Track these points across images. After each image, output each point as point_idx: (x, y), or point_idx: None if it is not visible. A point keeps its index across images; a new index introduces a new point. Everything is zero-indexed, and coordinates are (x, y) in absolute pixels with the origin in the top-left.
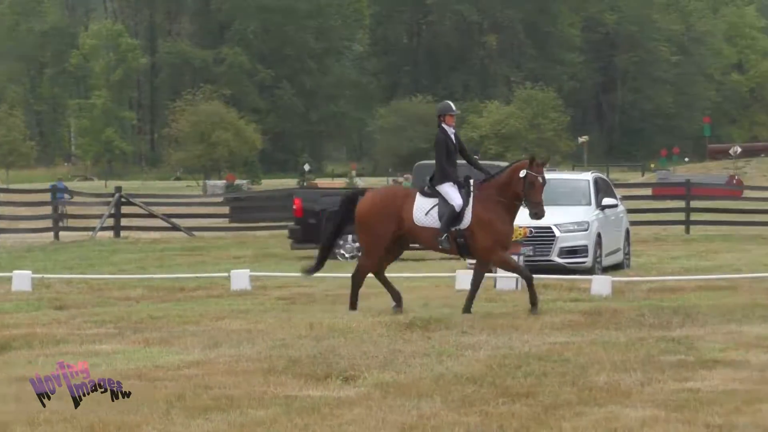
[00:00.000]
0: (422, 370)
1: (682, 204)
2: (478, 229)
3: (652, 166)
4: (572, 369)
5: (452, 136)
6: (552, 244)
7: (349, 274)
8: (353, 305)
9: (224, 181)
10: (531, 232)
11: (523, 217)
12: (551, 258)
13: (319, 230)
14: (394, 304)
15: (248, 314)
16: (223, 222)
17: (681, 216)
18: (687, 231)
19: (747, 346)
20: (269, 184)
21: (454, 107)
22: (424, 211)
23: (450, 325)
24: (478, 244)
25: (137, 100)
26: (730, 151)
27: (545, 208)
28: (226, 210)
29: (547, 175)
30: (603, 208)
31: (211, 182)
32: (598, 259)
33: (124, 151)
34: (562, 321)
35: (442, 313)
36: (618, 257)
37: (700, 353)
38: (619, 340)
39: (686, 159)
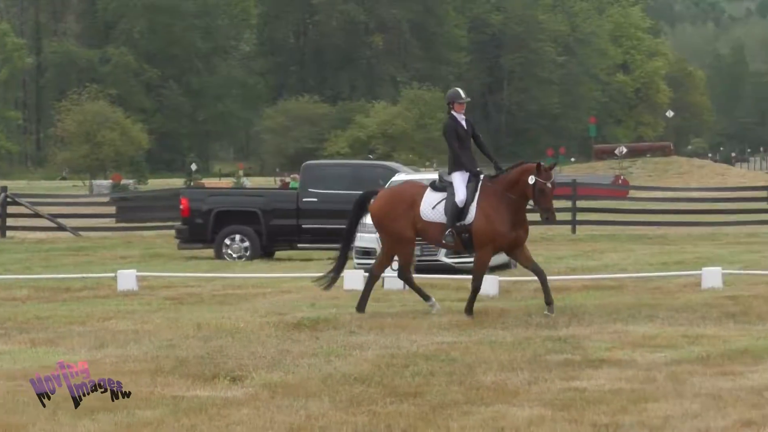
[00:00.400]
0: (310, 370)
1: (568, 204)
2: (478, 225)
3: None
4: (459, 368)
5: (463, 123)
6: None
7: (238, 275)
8: (361, 307)
9: (110, 181)
10: None
11: None
12: (439, 258)
13: (206, 230)
14: (429, 303)
15: (135, 314)
16: (109, 222)
17: (567, 216)
18: (573, 231)
19: (633, 345)
20: (156, 183)
21: (463, 95)
22: (431, 205)
23: (338, 325)
24: (474, 239)
25: (23, 99)
26: (616, 152)
27: None
28: (112, 210)
29: (434, 176)
30: None
31: (97, 182)
32: None
33: (9, 151)
34: (450, 321)
35: (330, 313)
36: (504, 257)
37: (587, 352)
38: (506, 340)
39: (572, 159)
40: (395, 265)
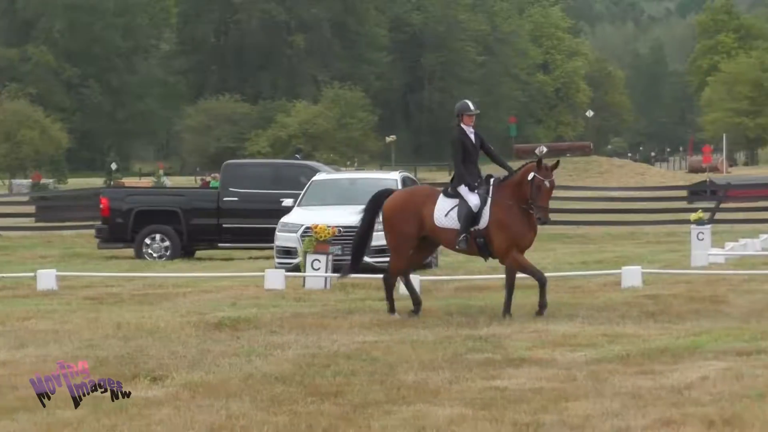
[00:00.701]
0: (231, 370)
1: None
2: (495, 229)
3: None
4: (381, 368)
5: (471, 136)
6: None
7: (158, 274)
8: (392, 308)
9: (30, 180)
10: (340, 231)
11: (331, 216)
12: None
13: (126, 229)
14: (412, 309)
15: (55, 314)
16: (29, 221)
17: None
18: None
19: (553, 344)
20: (76, 183)
21: (472, 107)
22: (444, 212)
23: (259, 324)
24: (494, 245)
25: None
26: (536, 151)
27: (352, 207)
28: (32, 209)
29: (354, 175)
30: None
31: (16, 181)
32: None
33: None
34: (371, 320)
35: (251, 312)
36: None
37: (507, 352)
38: (427, 339)
39: None
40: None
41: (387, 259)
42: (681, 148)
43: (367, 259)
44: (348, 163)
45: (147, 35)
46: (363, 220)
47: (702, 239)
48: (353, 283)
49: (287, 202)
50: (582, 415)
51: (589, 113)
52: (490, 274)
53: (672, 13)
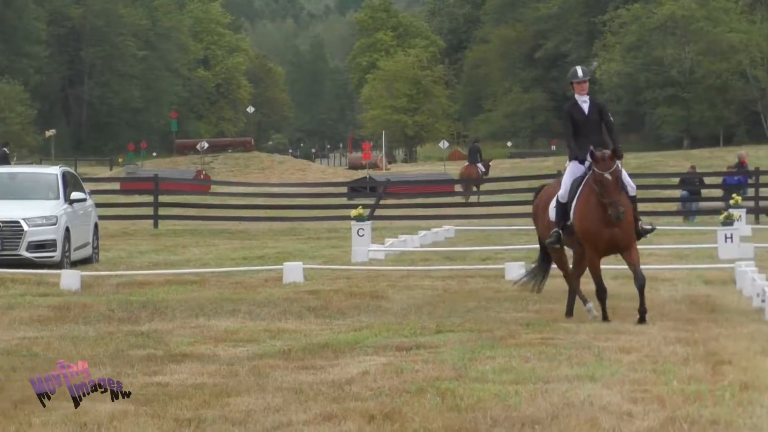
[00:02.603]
0: None
1: (150, 198)
2: (576, 224)
3: (120, 160)
4: (41, 364)
5: (583, 106)
6: (20, 238)
7: None
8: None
9: None
10: None
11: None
12: (19, 252)
13: None
14: (586, 306)
15: None
16: None
17: (149, 210)
18: (155, 225)
19: (215, 339)
20: None
21: (580, 73)
22: (552, 204)
23: None
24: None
25: None
26: (198, 146)
27: (13, 202)
28: None
29: (13, 169)
30: (71, 202)
31: None
32: (67, 254)
33: None
34: (31, 316)
35: None
36: (87, 251)
37: (169, 347)
38: (89, 335)
39: (154, 154)
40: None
41: (47, 254)
42: (341, 145)
43: (26, 254)
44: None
45: None
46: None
47: (362, 235)
48: (13, 279)
49: None
50: (244, 410)
51: (250, 109)
52: (151, 269)
53: (332, 10)
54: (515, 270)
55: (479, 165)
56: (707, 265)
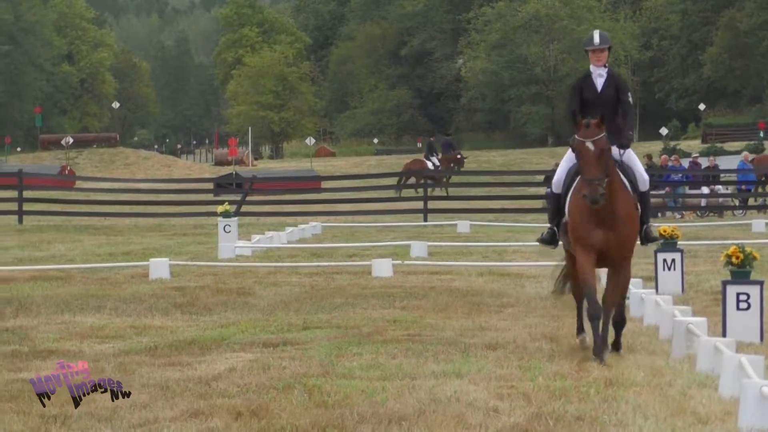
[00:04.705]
0: None
1: (14, 194)
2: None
3: None
4: None
5: (597, 81)
6: None
7: None
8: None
9: None
10: None
11: None
12: None
13: None
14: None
15: None
16: None
17: (13, 206)
18: (20, 221)
19: (81, 336)
20: None
21: (596, 38)
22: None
23: None
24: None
25: None
26: (62, 142)
27: None
28: None
29: None
30: None
31: None
32: None
33: None
34: None
35: None
36: None
37: (35, 343)
38: None
39: (18, 149)
40: None
41: None
42: (207, 141)
43: None
44: None
45: None
46: None
47: (229, 231)
48: None
49: None
50: (110, 406)
51: (115, 105)
52: (16, 265)
53: (197, 6)
54: (382, 267)
55: (432, 159)
56: None
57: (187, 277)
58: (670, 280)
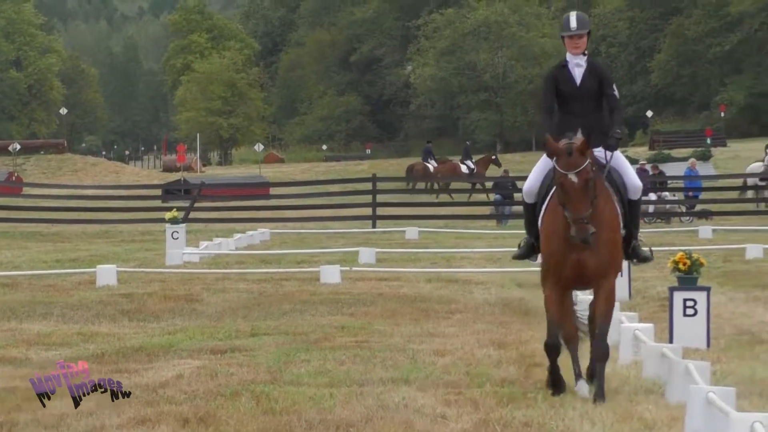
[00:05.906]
0: None
1: None
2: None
3: None
4: None
5: (574, 71)
6: None
7: None
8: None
9: None
10: None
11: None
12: None
13: None
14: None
15: None
16: None
17: None
18: None
19: (28, 343)
20: None
21: (573, 22)
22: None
23: None
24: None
25: None
26: (10, 148)
27: None
28: None
29: None
30: None
31: None
32: None
33: None
34: None
35: None
36: None
37: None
38: None
39: None
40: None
41: None
42: (155, 147)
43: None
44: None
45: None
46: None
47: (177, 238)
48: None
49: None
50: (57, 414)
51: (63, 111)
52: None
53: (145, 12)
54: (330, 273)
55: (467, 162)
56: (520, 268)
57: (135, 283)
58: (618, 286)
